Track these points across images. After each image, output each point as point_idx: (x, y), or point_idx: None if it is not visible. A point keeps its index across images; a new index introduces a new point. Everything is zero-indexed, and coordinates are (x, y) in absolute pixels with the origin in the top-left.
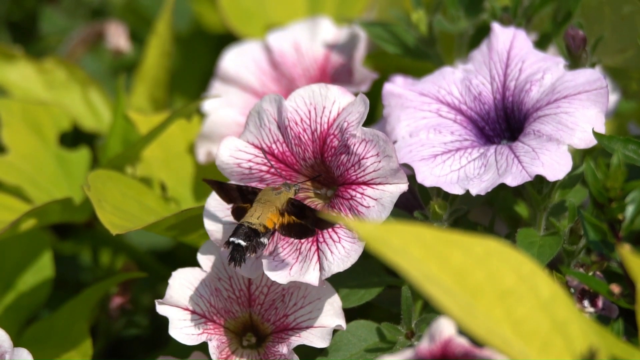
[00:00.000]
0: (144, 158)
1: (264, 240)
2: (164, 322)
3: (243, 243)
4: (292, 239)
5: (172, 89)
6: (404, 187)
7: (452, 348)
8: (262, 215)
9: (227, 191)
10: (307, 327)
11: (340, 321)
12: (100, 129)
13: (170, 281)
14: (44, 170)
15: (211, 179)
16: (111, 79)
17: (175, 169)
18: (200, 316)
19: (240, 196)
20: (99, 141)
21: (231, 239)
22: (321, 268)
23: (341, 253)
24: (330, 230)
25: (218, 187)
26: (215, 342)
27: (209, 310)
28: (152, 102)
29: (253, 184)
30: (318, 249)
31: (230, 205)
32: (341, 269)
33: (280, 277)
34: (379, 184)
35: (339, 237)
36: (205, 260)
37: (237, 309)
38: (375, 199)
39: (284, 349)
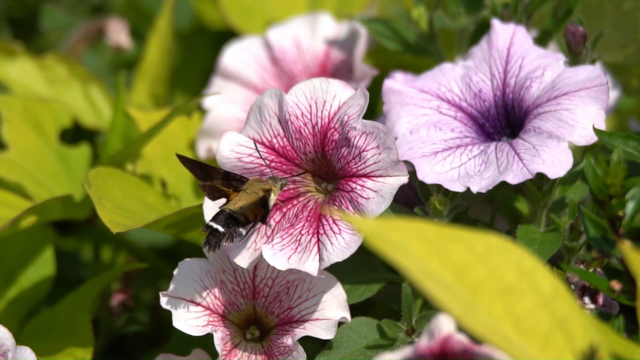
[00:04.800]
0: (144, 155)
1: (242, 230)
2: (165, 319)
3: (221, 229)
4: (292, 230)
5: (173, 85)
6: (404, 179)
7: (451, 345)
8: (244, 206)
9: (203, 170)
10: (312, 320)
11: (345, 313)
12: (100, 126)
13: (175, 272)
14: (44, 167)
15: (183, 155)
16: (112, 76)
17: (176, 166)
18: (204, 308)
19: (224, 181)
20: (100, 138)
21: (210, 223)
22: (320, 259)
23: (341, 244)
24: (331, 222)
25: (190, 164)
26: (220, 333)
27: (213, 302)
28: (152, 98)
29: None
30: (318, 240)
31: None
32: (340, 259)
33: (279, 263)
34: (379, 176)
35: (339, 229)
36: (210, 253)
37: (242, 301)
38: (375, 191)
39: (288, 340)
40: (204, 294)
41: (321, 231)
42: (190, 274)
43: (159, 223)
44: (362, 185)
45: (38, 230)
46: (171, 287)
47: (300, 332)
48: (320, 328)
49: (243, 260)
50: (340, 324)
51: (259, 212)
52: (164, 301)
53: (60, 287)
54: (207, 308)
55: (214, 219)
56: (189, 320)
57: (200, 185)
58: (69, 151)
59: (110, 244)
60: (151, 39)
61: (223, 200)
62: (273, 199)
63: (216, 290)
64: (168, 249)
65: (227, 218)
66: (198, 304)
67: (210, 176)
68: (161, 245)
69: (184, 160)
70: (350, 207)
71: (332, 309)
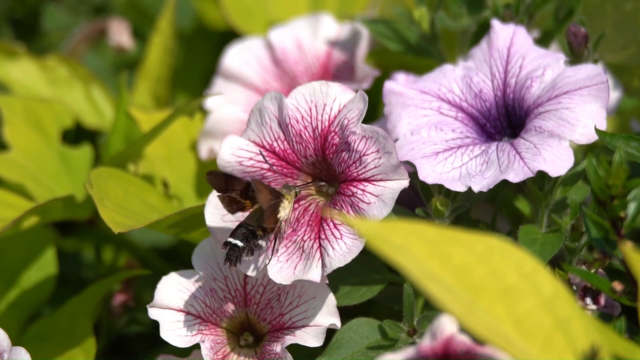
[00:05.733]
0: (146, 155)
1: (262, 242)
2: None
3: (240, 244)
4: (295, 237)
5: (175, 86)
6: (404, 183)
7: (453, 345)
8: (261, 218)
9: (227, 181)
10: (302, 326)
11: (334, 320)
12: (102, 126)
13: (159, 285)
14: (46, 168)
15: (216, 171)
16: (113, 76)
17: (178, 166)
18: (195, 317)
19: (242, 192)
20: (101, 138)
21: (228, 239)
22: (323, 264)
23: (342, 249)
24: (332, 226)
25: (216, 177)
26: (209, 343)
27: (205, 310)
28: (154, 99)
29: None
30: (320, 245)
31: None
32: (342, 264)
33: (284, 278)
34: (380, 180)
35: (340, 234)
36: (200, 261)
37: (233, 308)
38: (377, 196)
39: (277, 347)
40: (194, 303)
41: (322, 236)
42: (176, 285)
43: (161, 223)
44: (363, 190)
45: (39, 231)
46: (155, 298)
47: (289, 339)
48: (309, 335)
49: (248, 268)
50: (329, 330)
51: (269, 220)
52: (151, 312)
53: (62, 287)
54: (198, 316)
55: (233, 234)
56: (177, 330)
57: (218, 197)
58: (71, 152)
59: (111, 245)
60: (153, 39)
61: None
62: (288, 206)
63: (207, 299)
64: (169, 249)
65: (246, 232)
66: (188, 313)
67: (232, 187)
68: (163, 246)
69: (211, 174)
70: (351, 212)
71: (322, 315)
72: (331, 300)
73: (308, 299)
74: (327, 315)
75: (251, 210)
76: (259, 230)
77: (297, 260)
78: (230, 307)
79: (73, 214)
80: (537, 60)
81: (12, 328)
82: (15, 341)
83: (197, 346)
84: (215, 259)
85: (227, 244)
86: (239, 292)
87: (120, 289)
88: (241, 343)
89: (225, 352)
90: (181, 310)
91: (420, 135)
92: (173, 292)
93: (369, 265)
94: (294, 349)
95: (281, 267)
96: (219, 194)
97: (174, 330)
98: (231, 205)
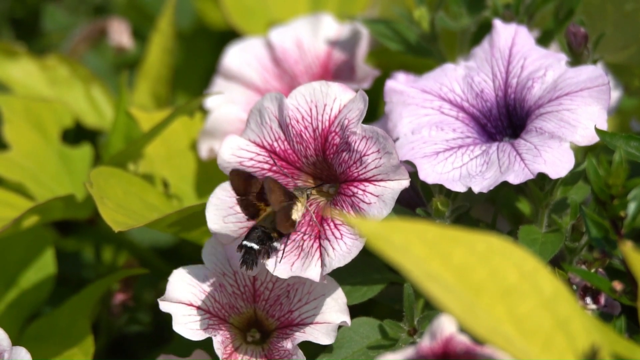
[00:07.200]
0: (146, 155)
1: (277, 245)
2: (166, 319)
3: (256, 247)
4: (295, 236)
5: (175, 85)
6: (405, 183)
7: (453, 346)
8: (275, 220)
9: (247, 181)
10: (312, 323)
11: (345, 317)
12: (102, 126)
13: (170, 278)
14: (46, 167)
15: (238, 169)
16: (114, 76)
17: (178, 166)
18: (204, 312)
19: (257, 194)
20: (101, 138)
21: (244, 242)
22: (322, 264)
23: (342, 249)
24: (332, 226)
25: (237, 176)
26: (220, 337)
27: (213, 305)
28: (154, 99)
29: None
30: (320, 245)
31: (234, 201)
32: (341, 264)
33: (281, 272)
34: (381, 180)
35: (341, 234)
36: (210, 256)
37: (242, 304)
38: (377, 196)
39: (288, 344)
40: (204, 298)
41: (323, 236)
42: (186, 279)
43: (161, 222)
44: (364, 190)
45: (39, 231)
46: (167, 292)
47: (300, 336)
48: (320, 332)
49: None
50: (340, 328)
51: (283, 224)
52: (162, 305)
53: (61, 287)
54: (207, 311)
55: (248, 237)
56: (189, 324)
57: (237, 199)
58: (71, 151)
59: (111, 245)
60: (153, 39)
61: (229, 212)
62: (301, 208)
63: (216, 294)
64: (169, 249)
65: (261, 234)
66: (198, 308)
67: (250, 188)
68: (162, 245)
69: (234, 173)
70: (352, 212)
71: (332, 312)
72: (341, 297)
73: (317, 296)
74: (338, 313)
75: (265, 212)
76: (274, 232)
77: (295, 259)
78: (238, 303)
79: (73, 213)
80: (539, 61)
81: (11, 328)
82: (15, 341)
83: (197, 346)
84: (224, 255)
85: (242, 247)
86: (247, 288)
87: (120, 288)
88: (248, 339)
89: (233, 348)
90: (191, 305)
91: (421, 134)
92: (184, 286)
93: (369, 264)
94: None
95: (278, 261)
96: (238, 197)
97: (186, 324)
98: (248, 209)
